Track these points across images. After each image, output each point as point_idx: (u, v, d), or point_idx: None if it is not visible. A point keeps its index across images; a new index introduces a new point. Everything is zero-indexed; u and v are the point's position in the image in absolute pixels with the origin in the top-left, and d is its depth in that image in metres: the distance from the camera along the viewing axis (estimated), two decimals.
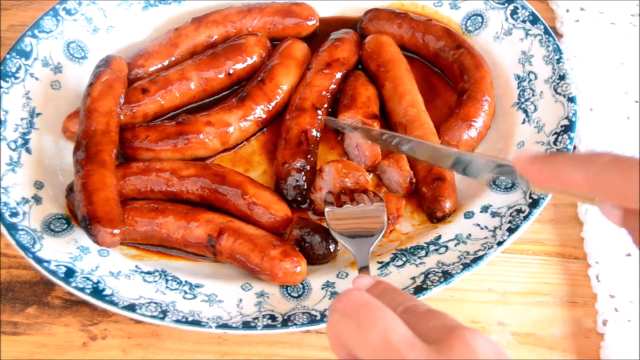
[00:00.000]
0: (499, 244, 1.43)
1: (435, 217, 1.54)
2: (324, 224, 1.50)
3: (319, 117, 1.67)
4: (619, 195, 0.92)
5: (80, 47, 1.76)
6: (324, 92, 1.70)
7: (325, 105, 1.70)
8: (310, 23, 1.84)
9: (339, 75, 1.74)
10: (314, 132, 1.64)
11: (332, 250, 1.49)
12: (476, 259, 1.42)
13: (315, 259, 1.48)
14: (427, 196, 1.54)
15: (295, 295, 1.43)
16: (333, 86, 1.73)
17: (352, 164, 1.56)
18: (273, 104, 1.69)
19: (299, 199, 1.59)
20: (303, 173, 1.59)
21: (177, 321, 1.35)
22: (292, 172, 1.58)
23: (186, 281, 1.45)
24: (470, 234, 1.48)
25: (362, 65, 1.81)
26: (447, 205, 1.52)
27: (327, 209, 1.49)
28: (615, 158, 0.92)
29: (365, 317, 0.88)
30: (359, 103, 1.65)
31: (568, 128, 1.57)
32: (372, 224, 1.45)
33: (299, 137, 1.62)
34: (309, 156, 1.61)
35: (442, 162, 1.34)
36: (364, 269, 1.33)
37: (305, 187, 1.59)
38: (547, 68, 1.68)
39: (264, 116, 1.68)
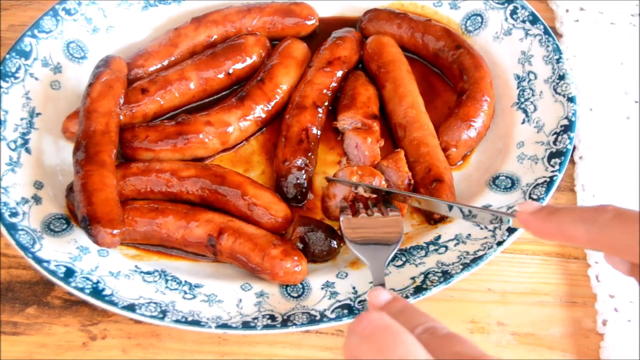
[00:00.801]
0: (499, 244, 1.43)
1: (433, 218, 1.54)
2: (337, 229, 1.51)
3: (320, 115, 1.67)
4: (622, 252, 0.93)
5: (79, 47, 1.76)
6: (324, 90, 1.70)
7: (326, 104, 1.70)
8: (309, 23, 1.84)
9: (340, 73, 1.74)
10: (315, 130, 1.64)
11: (335, 246, 1.49)
12: (476, 259, 1.42)
13: (319, 256, 1.48)
14: None
15: (295, 295, 1.43)
16: (334, 84, 1.73)
17: (368, 167, 1.54)
18: (273, 103, 1.69)
19: (299, 197, 1.59)
20: (304, 171, 1.59)
21: (177, 321, 1.35)
22: (292, 170, 1.58)
23: (186, 281, 1.46)
24: (469, 234, 1.48)
25: (363, 65, 1.81)
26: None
27: (342, 217, 1.46)
28: (618, 214, 0.93)
29: (386, 342, 0.87)
30: (359, 103, 1.65)
31: (568, 128, 1.57)
32: (389, 234, 1.41)
33: (299, 135, 1.62)
34: (309, 154, 1.61)
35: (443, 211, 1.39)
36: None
37: (306, 185, 1.59)
38: (546, 68, 1.68)
39: (263, 116, 1.68)
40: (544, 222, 1.02)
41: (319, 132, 1.66)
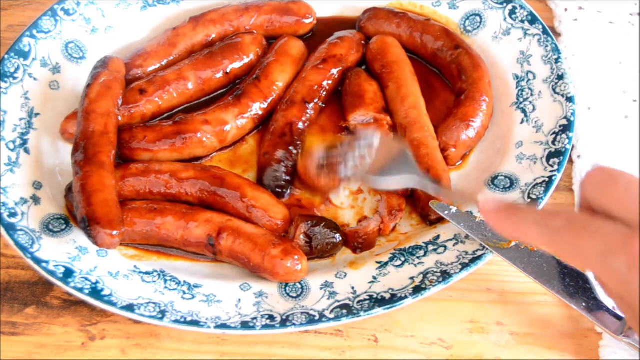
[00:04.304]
0: None
1: (429, 219, 1.54)
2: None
3: (308, 110, 1.67)
4: (571, 259, 0.96)
5: (78, 47, 1.76)
6: (316, 87, 1.70)
7: (316, 100, 1.70)
8: (307, 21, 1.84)
9: (334, 71, 1.74)
10: (300, 125, 1.64)
11: (339, 239, 1.49)
12: (475, 259, 1.42)
13: (324, 250, 1.49)
14: (422, 198, 1.54)
15: (294, 295, 1.43)
16: (328, 82, 1.73)
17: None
18: (269, 101, 1.69)
19: (279, 190, 1.59)
20: (283, 164, 1.59)
21: (176, 321, 1.35)
22: (271, 162, 1.58)
23: (185, 281, 1.46)
24: (468, 234, 1.48)
25: (366, 66, 1.81)
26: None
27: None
28: (569, 222, 0.96)
29: None
30: (368, 100, 1.66)
31: (566, 128, 1.57)
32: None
33: (283, 129, 1.62)
34: (290, 148, 1.61)
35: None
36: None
37: (285, 178, 1.59)
38: (545, 68, 1.68)
39: (260, 113, 1.68)
40: (503, 222, 1.05)
41: (304, 127, 1.65)
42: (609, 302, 1.40)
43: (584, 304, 1.33)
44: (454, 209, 1.48)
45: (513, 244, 1.41)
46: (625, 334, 1.29)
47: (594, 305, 1.33)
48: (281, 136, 1.61)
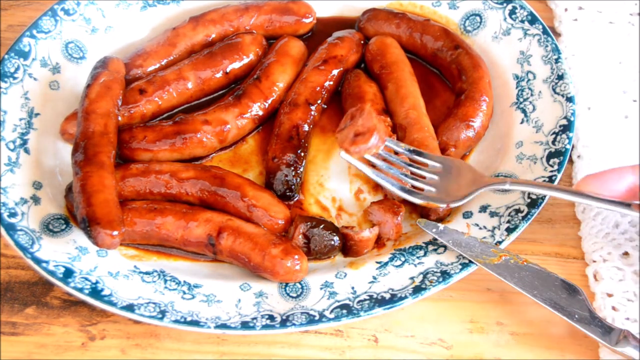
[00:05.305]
0: (498, 243, 1.44)
1: (429, 219, 1.54)
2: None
3: (312, 112, 1.67)
4: None
5: (78, 47, 1.76)
6: (318, 88, 1.71)
7: (319, 102, 1.70)
8: (307, 20, 1.84)
9: (335, 72, 1.74)
10: (305, 127, 1.65)
11: (338, 241, 1.49)
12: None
13: (322, 252, 1.49)
14: None
15: (294, 295, 1.43)
16: (329, 83, 1.73)
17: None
18: (269, 101, 1.69)
19: (288, 194, 1.59)
20: (292, 168, 1.59)
21: (176, 321, 1.35)
22: (281, 166, 1.58)
23: (185, 281, 1.46)
24: None
25: (365, 66, 1.81)
26: (441, 208, 1.52)
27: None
28: None
29: None
30: (368, 101, 1.66)
31: (566, 128, 1.58)
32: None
33: (289, 132, 1.62)
34: (299, 151, 1.61)
35: None
36: None
37: (294, 182, 1.59)
38: (545, 68, 1.68)
39: (260, 113, 1.68)
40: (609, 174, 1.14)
41: (309, 129, 1.66)
42: (602, 314, 1.40)
43: (576, 316, 1.33)
44: (441, 227, 1.48)
45: (503, 259, 1.41)
46: (619, 344, 1.29)
47: (587, 318, 1.33)
48: (288, 139, 1.61)
